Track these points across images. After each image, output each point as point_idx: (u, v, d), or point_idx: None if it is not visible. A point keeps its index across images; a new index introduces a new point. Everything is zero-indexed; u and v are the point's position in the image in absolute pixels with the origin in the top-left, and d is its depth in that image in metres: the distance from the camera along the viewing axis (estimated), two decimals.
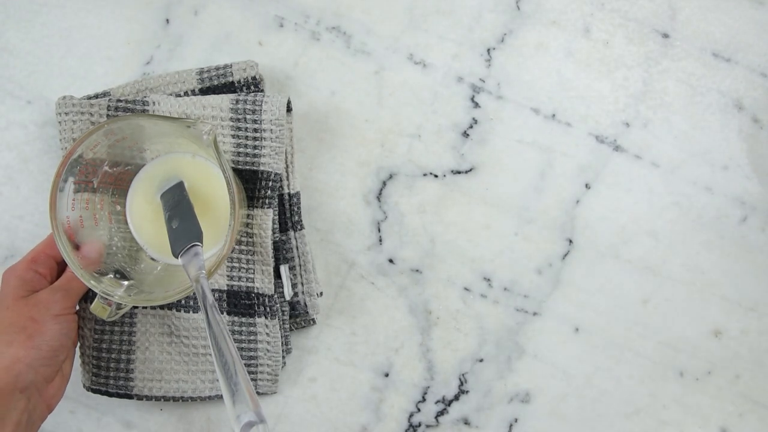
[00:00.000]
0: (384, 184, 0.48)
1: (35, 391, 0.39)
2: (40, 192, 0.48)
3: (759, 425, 0.48)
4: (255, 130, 0.44)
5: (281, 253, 0.46)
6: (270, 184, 0.44)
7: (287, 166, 0.46)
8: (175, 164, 0.44)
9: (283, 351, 0.46)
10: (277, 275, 0.46)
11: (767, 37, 0.48)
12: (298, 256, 0.47)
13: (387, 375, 0.48)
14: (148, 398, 0.46)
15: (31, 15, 0.49)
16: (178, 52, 0.48)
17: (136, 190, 0.44)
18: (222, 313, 0.45)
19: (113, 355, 0.45)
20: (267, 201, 0.44)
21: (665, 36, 0.48)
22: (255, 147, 0.44)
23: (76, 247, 0.40)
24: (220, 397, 0.46)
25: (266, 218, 0.44)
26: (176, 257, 0.40)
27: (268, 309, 0.45)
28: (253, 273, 0.45)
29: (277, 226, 0.45)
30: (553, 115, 0.48)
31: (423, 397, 0.48)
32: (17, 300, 0.40)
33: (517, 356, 0.48)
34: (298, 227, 0.47)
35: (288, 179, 0.46)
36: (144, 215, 0.44)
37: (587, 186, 0.48)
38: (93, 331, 0.45)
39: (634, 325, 0.48)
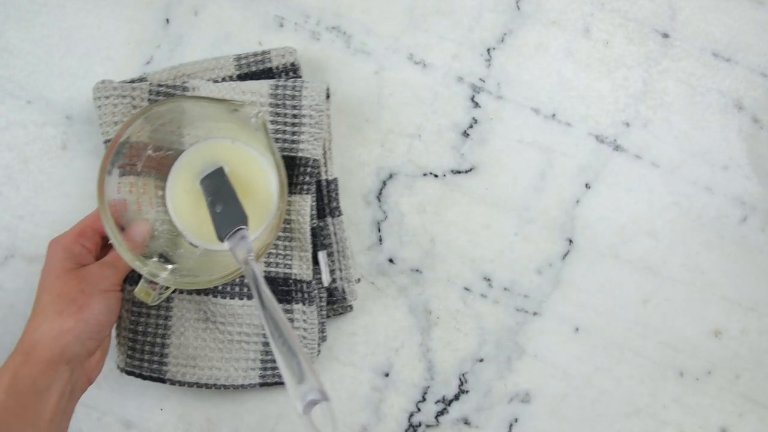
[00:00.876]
0: (384, 184, 0.48)
1: (78, 364, 0.39)
2: (40, 192, 0.48)
3: (759, 425, 0.48)
4: (294, 116, 0.43)
5: (319, 239, 0.46)
6: (308, 170, 0.44)
7: (325, 153, 0.46)
8: (214, 149, 0.43)
9: (318, 339, 0.46)
10: (315, 261, 0.45)
11: (767, 37, 0.48)
12: (336, 242, 0.46)
13: (387, 375, 0.48)
14: (181, 384, 0.45)
15: (31, 15, 0.49)
16: (178, 52, 0.48)
17: (176, 175, 0.44)
18: None
19: (148, 338, 0.45)
20: (305, 187, 0.44)
21: (665, 36, 0.48)
22: (294, 133, 0.43)
23: (121, 229, 0.40)
24: (253, 386, 0.46)
25: (304, 204, 0.44)
26: (221, 241, 0.40)
27: (306, 295, 0.45)
28: (291, 259, 0.45)
29: (314, 212, 0.45)
30: (553, 115, 0.48)
31: (423, 397, 0.48)
32: (67, 272, 0.40)
33: (517, 356, 0.48)
34: (336, 213, 0.46)
35: (326, 165, 0.46)
36: (183, 201, 0.44)
37: (587, 186, 0.48)
38: (130, 312, 0.45)
39: (634, 325, 0.48)
